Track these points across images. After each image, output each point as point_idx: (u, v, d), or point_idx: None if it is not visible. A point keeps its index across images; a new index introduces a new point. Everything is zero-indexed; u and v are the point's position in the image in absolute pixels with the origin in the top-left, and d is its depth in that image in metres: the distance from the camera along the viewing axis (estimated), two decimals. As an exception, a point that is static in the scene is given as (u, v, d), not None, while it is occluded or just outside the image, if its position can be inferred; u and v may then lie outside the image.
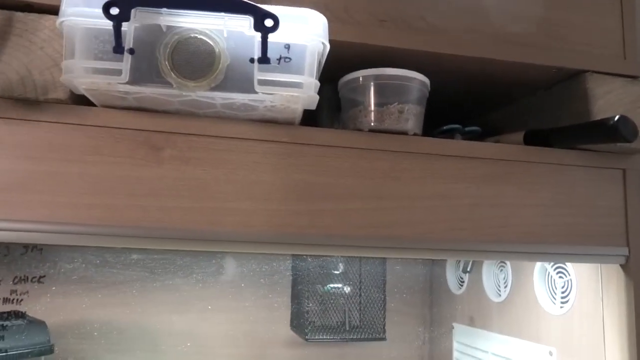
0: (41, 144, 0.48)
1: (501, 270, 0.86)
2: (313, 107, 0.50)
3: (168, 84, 0.45)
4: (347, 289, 0.92)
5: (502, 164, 0.59)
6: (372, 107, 0.55)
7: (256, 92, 0.46)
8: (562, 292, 0.72)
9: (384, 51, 0.57)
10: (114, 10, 0.42)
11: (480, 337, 0.90)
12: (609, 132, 0.53)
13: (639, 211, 0.62)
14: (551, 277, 0.75)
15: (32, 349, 0.65)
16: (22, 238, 0.48)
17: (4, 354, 0.63)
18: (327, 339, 0.90)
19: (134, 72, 0.45)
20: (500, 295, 0.86)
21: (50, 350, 0.67)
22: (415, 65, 0.57)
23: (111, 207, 0.49)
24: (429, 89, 0.59)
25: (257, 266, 0.92)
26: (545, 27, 0.61)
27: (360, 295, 0.95)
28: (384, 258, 0.94)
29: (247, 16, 0.44)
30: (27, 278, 0.66)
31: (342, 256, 0.89)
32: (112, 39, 0.43)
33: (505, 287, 0.84)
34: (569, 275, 0.71)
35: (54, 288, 0.66)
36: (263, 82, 0.45)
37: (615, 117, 0.52)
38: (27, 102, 0.48)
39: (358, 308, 0.95)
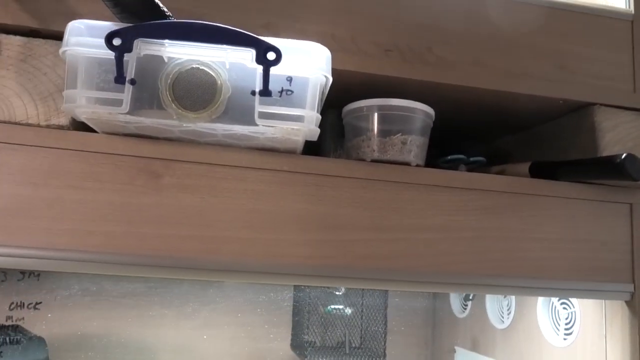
0: (42, 170, 0.48)
1: (505, 296, 0.85)
2: (314, 138, 0.49)
3: (169, 115, 0.45)
4: (348, 311, 0.92)
5: (506, 196, 0.58)
6: (375, 138, 0.54)
7: (257, 125, 0.45)
8: (566, 324, 0.71)
9: (389, 81, 0.56)
10: (117, 41, 0.42)
11: (482, 364, 0.89)
12: (615, 169, 0.52)
13: (646, 247, 0.61)
14: (555, 308, 0.74)
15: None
16: (20, 264, 0.48)
17: (2, 370, 0.64)
18: (327, 360, 0.90)
19: (134, 102, 0.44)
20: (503, 322, 0.84)
21: (48, 367, 0.67)
22: (420, 96, 0.57)
23: (109, 234, 0.49)
24: (434, 119, 0.58)
25: (259, 284, 0.91)
26: (554, 59, 0.61)
27: (361, 317, 0.94)
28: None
29: (249, 49, 0.44)
30: (24, 304, 0.66)
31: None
32: (114, 68, 0.43)
33: (509, 314, 0.83)
34: (573, 307, 0.70)
35: (49, 315, 0.66)
36: (264, 115, 0.45)
37: (622, 155, 0.51)
38: (29, 127, 0.48)
39: (359, 329, 0.94)
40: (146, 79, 0.44)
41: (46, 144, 0.49)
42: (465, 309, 0.97)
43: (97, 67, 0.44)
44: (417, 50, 0.57)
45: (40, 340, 0.69)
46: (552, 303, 0.74)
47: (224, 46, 0.44)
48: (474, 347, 0.92)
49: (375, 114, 0.55)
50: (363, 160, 0.55)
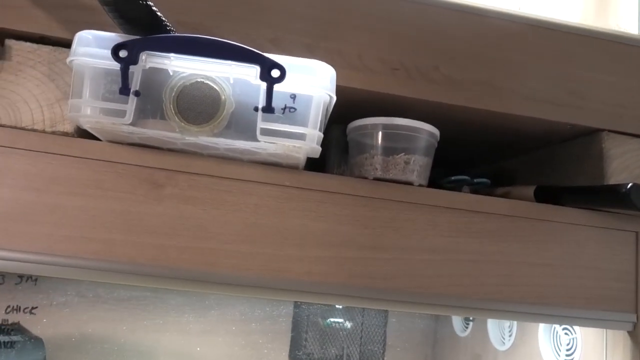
0: (45, 176, 0.49)
1: (506, 318, 0.84)
2: (316, 156, 0.49)
3: (171, 127, 0.45)
4: (348, 324, 0.91)
5: (509, 220, 0.57)
6: (378, 156, 0.54)
7: (258, 141, 0.45)
8: (567, 350, 0.70)
9: (395, 99, 0.56)
10: (123, 53, 0.43)
11: (480, 385, 0.88)
12: (620, 199, 0.51)
13: (650, 277, 0.60)
14: (557, 332, 0.73)
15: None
16: (19, 268, 0.49)
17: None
18: (324, 373, 0.89)
19: (138, 113, 0.45)
20: (504, 343, 0.83)
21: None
22: (425, 115, 0.56)
23: (108, 242, 0.49)
24: (438, 139, 0.58)
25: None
26: (563, 83, 0.60)
27: (361, 331, 0.93)
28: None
29: (254, 65, 0.44)
30: (20, 308, 0.67)
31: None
32: (120, 80, 0.44)
33: (510, 336, 0.82)
34: (575, 333, 0.69)
35: (45, 320, 0.67)
36: (266, 132, 0.45)
37: (628, 184, 0.50)
38: (34, 132, 0.49)
39: (359, 343, 0.94)
40: (151, 91, 0.45)
41: (50, 150, 0.49)
42: (466, 328, 0.96)
43: (103, 78, 0.44)
44: (424, 69, 0.57)
45: (38, 341, 0.69)
46: (554, 328, 0.73)
47: (229, 61, 0.44)
48: (474, 367, 0.91)
49: (380, 133, 0.55)
50: (365, 178, 0.55)
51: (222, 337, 0.85)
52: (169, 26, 0.47)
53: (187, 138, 0.46)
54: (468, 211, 0.56)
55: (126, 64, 0.43)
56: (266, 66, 0.43)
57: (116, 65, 0.43)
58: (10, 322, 0.66)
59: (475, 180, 0.63)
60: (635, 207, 0.50)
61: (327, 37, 0.55)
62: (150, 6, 0.45)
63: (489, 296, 0.56)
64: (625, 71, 0.62)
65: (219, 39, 0.44)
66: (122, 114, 0.44)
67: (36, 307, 0.69)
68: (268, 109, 0.44)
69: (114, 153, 0.50)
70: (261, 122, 0.45)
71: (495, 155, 0.77)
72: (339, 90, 0.49)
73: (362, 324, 0.94)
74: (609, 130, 0.60)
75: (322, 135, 0.47)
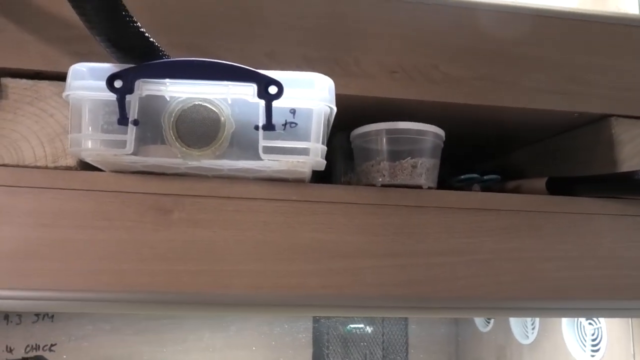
0: (51, 211, 0.48)
1: (528, 311, 0.83)
2: (321, 169, 0.48)
3: (173, 153, 0.45)
4: (369, 329, 0.90)
5: (523, 215, 0.56)
6: (385, 162, 0.54)
7: (262, 159, 0.45)
8: (593, 340, 0.69)
9: (397, 103, 0.55)
10: (118, 83, 0.42)
11: (507, 380, 0.87)
12: (635, 185, 0.50)
13: (672, 262, 0.59)
14: (581, 323, 0.72)
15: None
16: (34, 306, 0.49)
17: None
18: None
19: (138, 141, 0.44)
20: (527, 337, 0.82)
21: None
22: (429, 116, 0.55)
23: (120, 272, 0.49)
24: (444, 139, 0.57)
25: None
26: (566, 71, 0.59)
27: (382, 334, 0.92)
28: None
29: (250, 84, 0.43)
30: (39, 346, 0.67)
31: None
32: (117, 110, 0.43)
33: (533, 329, 0.81)
34: (599, 323, 0.68)
35: (64, 356, 0.66)
36: (268, 150, 0.44)
37: (641, 171, 0.49)
38: (38, 169, 0.49)
39: (381, 347, 0.93)
40: (149, 118, 0.44)
41: (55, 185, 0.49)
42: (488, 322, 0.95)
43: (100, 109, 0.44)
44: (423, 69, 0.56)
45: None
46: (578, 319, 0.72)
47: (225, 82, 0.43)
48: (499, 362, 0.90)
49: (384, 138, 0.54)
50: (373, 185, 0.54)
51: (243, 358, 0.85)
52: (162, 51, 0.46)
53: (190, 163, 0.45)
54: (480, 210, 0.55)
55: (122, 94, 0.42)
56: (263, 83, 0.43)
57: (112, 96, 0.43)
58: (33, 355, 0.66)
59: (485, 177, 0.62)
60: (650, 194, 0.49)
61: (323, 46, 0.54)
62: (142, 33, 0.44)
63: (509, 295, 0.55)
64: (629, 53, 0.61)
65: (213, 60, 0.43)
66: (122, 144, 0.44)
67: (55, 344, 0.69)
68: (268, 126, 0.44)
69: (118, 183, 0.49)
70: (263, 141, 0.44)
71: (500, 149, 0.75)
72: (339, 98, 0.48)
73: (382, 327, 0.93)
74: (618, 115, 0.59)
75: (325, 148, 0.46)
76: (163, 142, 0.45)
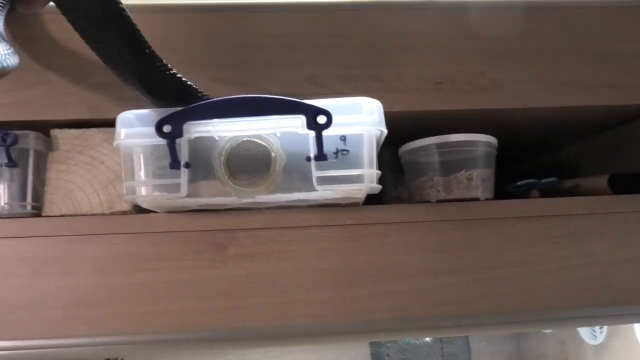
0: (110, 257, 0.49)
1: (594, 309, 0.79)
2: (376, 192, 0.47)
3: (227, 192, 0.44)
4: (428, 337, 0.89)
5: (588, 219, 0.54)
6: (438, 177, 0.52)
7: (316, 190, 0.44)
8: (669, 338, 0.66)
9: (444, 115, 0.54)
10: (167, 128, 0.42)
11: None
12: None
13: None
14: (654, 321, 0.68)
15: None
16: (104, 352, 0.49)
17: None
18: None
19: (191, 182, 0.44)
20: (595, 337, 0.79)
21: None
22: (479, 124, 0.54)
23: (182, 312, 0.49)
24: (497, 146, 0.55)
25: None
26: (617, 63, 0.56)
27: (442, 340, 0.91)
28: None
29: (299, 116, 0.42)
30: None
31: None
32: (168, 154, 0.43)
33: (601, 329, 0.77)
34: (676, 320, 0.65)
35: None
36: (322, 180, 0.44)
37: None
38: (95, 217, 0.49)
39: (441, 354, 0.91)
40: (200, 159, 0.44)
41: (112, 231, 0.49)
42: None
43: (151, 155, 0.44)
44: (469, 77, 0.54)
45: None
46: (650, 316, 0.69)
47: (273, 116, 0.43)
48: (566, 362, 0.87)
49: (435, 153, 0.52)
50: (428, 201, 0.53)
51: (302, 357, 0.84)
52: (200, 92, 0.46)
53: (244, 200, 0.45)
54: (542, 217, 0.53)
55: (172, 139, 0.42)
56: (311, 114, 0.42)
57: (162, 141, 0.43)
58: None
59: (542, 181, 0.60)
60: None
61: (363, 64, 0.53)
62: (179, 79, 0.44)
63: (578, 303, 0.52)
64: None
65: (259, 96, 0.43)
66: (176, 188, 0.44)
67: None
68: (320, 156, 0.43)
69: (173, 223, 0.49)
70: (316, 172, 0.43)
71: (550, 146, 0.73)
72: (385, 116, 0.47)
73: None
74: (680, 103, 0.56)
75: (379, 172, 0.45)
76: (213, 180, 0.45)
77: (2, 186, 0.48)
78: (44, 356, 0.49)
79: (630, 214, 0.54)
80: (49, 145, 0.50)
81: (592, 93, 0.56)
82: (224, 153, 0.44)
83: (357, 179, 0.44)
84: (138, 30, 0.41)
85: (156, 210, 0.49)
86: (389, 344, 0.86)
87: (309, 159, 0.43)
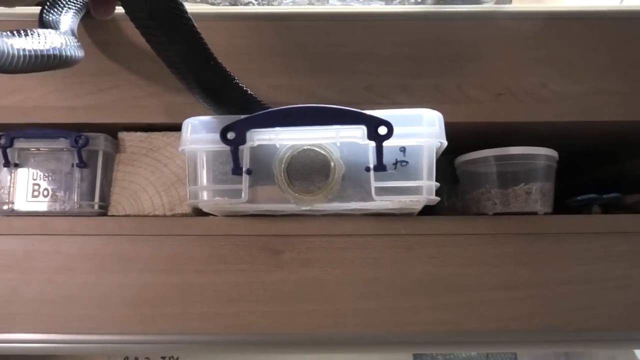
0: (170, 257, 0.50)
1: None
2: (433, 204, 0.47)
3: (286, 199, 0.45)
4: (473, 352, 0.87)
5: (653, 237, 0.52)
6: (496, 190, 0.51)
7: (374, 200, 0.44)
8: None
9: (504, 126, 0.53)
10: (231, 135, 0.43)
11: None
12: None
13: None
14: None
15: None
16: (159, 350, 0.51)
17: None
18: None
19: (252, 189, 0.45)
20: (653, 359, 0.76)
21: None
22: (539, 137, 0.53)
23: (237, 314, 0.50)
24: (558, 159, 0.53)
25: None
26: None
27: (487, 356, 0.89)
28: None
29: (360, 126, 0.43)
30: None
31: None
32: (230, 161, 0.44)
33: (660, 351, 0.74)
34: None
35: None
36: (381, 191, 0.44)
37: None
38: (156, 218, 0.51)
39: (486, 366, 0.89)
40: (260, 165, 0.45)
41: (172, 232, 0.51)
42: None
43: (214, 161, 0.45)
44: (531, 89, 0.53)
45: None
46: None
47: (335, 126, 0.43)
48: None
49: (494, 165, 0.51)
50: (484, 214, 0.52)
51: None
52: (260, 100, 0.47)
53: (302, 207, 0.45)
54: (604, 234, 0.51)
55: (235, 145, 0.43)
56: (372, 125, 0.42)
57: (225, 147, 0.44)
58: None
59: (604, 196, 0.58)
60: None
61: (422, 74, 0.53)
62: (241, 87, 0.45)
63: (642, 324, 0.50)
64: None
65: (321, 106, 0.43)
66: (237, 193, 0.45)
67: None
68: (380, 167, 0.43)
69: (231, 227, 0.51)
70: (375, 182, 0.44)
71: (611, 160, 0.70)
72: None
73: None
74: None
75: (438, 184, 0.45)
76: (273, 187, 0.46)
77: (73, 186, 0.50)
78: (107, 351, 0.51)
79: (699, 233, 0.52)
80: (116, 147, 0.52)
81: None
82: (284, 161, 0.44)
83: (415, 191, 0.44)
84: (201, 38, 0.42)
85: (215, 214, 0.50)
86: (434, 354, 0.85)
87: (368, 169, 0.43)
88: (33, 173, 0.51)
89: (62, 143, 0.50)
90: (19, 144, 0.50)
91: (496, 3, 0.59)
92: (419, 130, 0.44)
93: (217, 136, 0.44)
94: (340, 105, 0.44)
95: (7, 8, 0.53)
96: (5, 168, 0.51)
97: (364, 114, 0.42)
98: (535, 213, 0.51)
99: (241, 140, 0.43)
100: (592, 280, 0.51)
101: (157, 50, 0.42)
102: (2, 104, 0.53)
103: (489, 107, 0.53)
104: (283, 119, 0.43)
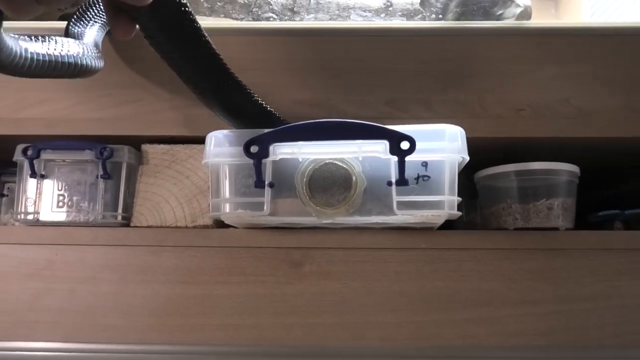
0: (191, 268, 0.51)
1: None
2: (454, 218, 0.47)
3: (307, 212, 0.45)
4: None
5: (677, 254, 0.51)
6: (517, 205, 0.51)
7: (395, 214, 0.44)
8: None
9: (525, 142, 0.53)
10: (254, 149, 0.44)
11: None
12: None
13: None
14: None
15: None
16: (179, 360, 0.51)
17: None
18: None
19: (274, 202, 0.45)
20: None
21: None
22: (560, 152, 0.52)
23: (257, 326, 0.50)
24: (579, 174, 0.53)
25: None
26: None
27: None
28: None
29: (382, 141, 0.43)
30: None
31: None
32: (253, 174, 0.45)
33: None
34: None
35: None
36: (402, 205, 0.44)
37: None
38: (178, 229, 0.51)
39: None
40: (283, 179, 0.45)
41: (193, 244, 0.51)
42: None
43: (237, 174, 0.46)
44: (553, 104, 0.53)
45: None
46: None
47: (357, 140, 0.44)
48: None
49: (514, 180, 0.51)
50: (504, 229, 0.52)
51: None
52: (280, 117, 0.48)
53: (323, 221, 0.46)
54: (627, 250, 0.51)
55: (258, 159, 0.44)
56: (395, 140, 0.42)
57: (248, 161, 0.44)
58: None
59: (626, 212, 0.57)
60: None
61: (444, 89, 0.53)
62: (260, 103, 0.46)
63: (667, 342, 0.50)
64: None
65: (344, 121, 0.44)
66: (259, 206, 0.45)
67: None
68: (401, 181, 0.43)
69: (251, 239, 0.51)
70: (396, 196, 0.44)
71: (633, 175, 0.70)
72: (464, 141, 0.47)
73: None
74: None
75: (459, 199, 0.45)
76: (294, 200, 0.46)
77: (97, 197, 0.51)
78: (127, 360, 0.51)
79: None
80: (139, 159, 0.53)
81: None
82: (306, 174, 0.45)
83: (437, 205, 0.44)
84: (218, 56, 0.42)
85: (236, 226, 0.51)
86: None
87: (390, 183, 0.44)
88: (58, 184, 0.52)
89: (88, 155, 0.51)
90: (46, 155, 0.51)
91: (517, 19, 0.59)
92: (441, 145, 0.44)
93: (240, 149, 0.44)
94: (361, 120, 0.44)
95: (32, 21, 0.54)
96: (32, 179, 0.51)
97: (387, 129, 0.43)
98: (556, 229, 0.51)
99: (264, 153, 0.44)
100: (614, 296, 0.50)
101: (176, 71, 0.43)
102: (29, 115, 0.54)
103: (510, 122, 0.53)
104: (306, 133, 0.44)
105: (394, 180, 0.43)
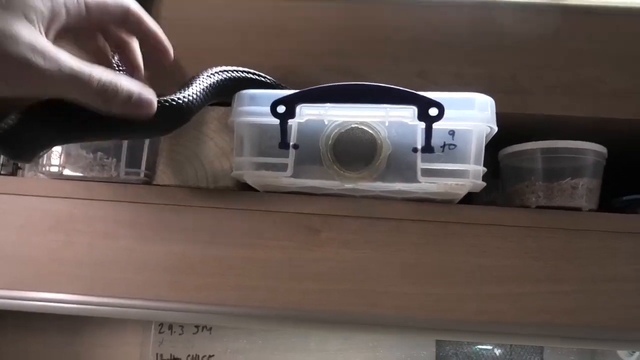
0: (210, 229, 0.51)
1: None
2: (478, 190, 0.47)
3: (330, 175, 0.45)
4: (497, 351, 0.86)
5: (701, 240, 0.50)
6: (540, 183, 0.50)
7: (419, 182, 0.44)
8: None
9: (555, 120, 0.52)
10: (281, 109, 0.43)
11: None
12: None
13: None
14: None
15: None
16: (194, 319, 0.51)
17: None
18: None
19: (296, 164, 0.45)
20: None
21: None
22: (590, 133, 0.51)
23: (274, 289, 0.50)
24: (607, 156, 0.52)
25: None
26: None
27: (511, 352, 0.88)
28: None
29: (410, 106, 0.42)
30: (198, 356, 0.71)
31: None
32: (278, 134, 0.44)
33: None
34: None
35: None
36: (427, 172, 0.43)
37: None
38: (199, 190, 0.52)
39: (511, 369, 0.88)
40: (307, 142, 0.45)
41: (214, 205, 0.51)
42: (632, 352, 0.87)
43: (263, 134, 0.46)
44: (587, 83, 0.52)
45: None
46: None
47: (385, 105, 0.43)
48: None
49: (540, 158, 0.51)
50: (527, 207, 0.51)
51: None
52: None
53: (346, 185, 0.45)
54: (650, 234, 0.50)
55: (284, 119, 0.43)
56: (423, 106, 0.42)
57: (274, 121, 0.44)
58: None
59: (652, 198, 0.56)
60: None
61: (477, 62, 0.52)
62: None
63: (686, 328, 0.49)
64: None
65: (372, 84, 0.43)
66: (283, 167, 0.45)
67: (213, 355, 0.73)
68: (428, 149, 0.43)
69: (271, 203, 0.51)
70: (421, 163, 0.43)
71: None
72: (494, 116, 0.46)
73: (510, 351, 0.88)
74: None
75: (485, 169, 0.44)
76: (318, 163, 0.46)
77: (120, 153, 0.51)
78: (142, 316, 0.52)
79: None
80: (163, 118, 0.53)
81: None
82: (331, 138, 0.44)
83: (462, 174, 0.43)
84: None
85: (257, 189, 0.51)
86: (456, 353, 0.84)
87: (415, 150, 0.43)
88: (83, 139, 0.52)
89: (113, 111, 0.51)
90: (72, 108, 0.51)
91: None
92: (470, 114, 0.43)
93: (267, 109, 0.44)
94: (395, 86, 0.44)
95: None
96: (57, 132, 0.52)
97: (416, 94, 0.42)
98: (579, 209, 0.50)
99: (291, 114, 0.43)
100: (634, 279, 0.50)
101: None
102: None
103: (542, 99, 0.52)
104: (334, 95, 0.43)
105: (419, 147, 0.43)
